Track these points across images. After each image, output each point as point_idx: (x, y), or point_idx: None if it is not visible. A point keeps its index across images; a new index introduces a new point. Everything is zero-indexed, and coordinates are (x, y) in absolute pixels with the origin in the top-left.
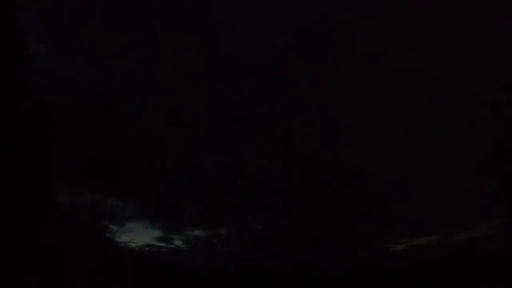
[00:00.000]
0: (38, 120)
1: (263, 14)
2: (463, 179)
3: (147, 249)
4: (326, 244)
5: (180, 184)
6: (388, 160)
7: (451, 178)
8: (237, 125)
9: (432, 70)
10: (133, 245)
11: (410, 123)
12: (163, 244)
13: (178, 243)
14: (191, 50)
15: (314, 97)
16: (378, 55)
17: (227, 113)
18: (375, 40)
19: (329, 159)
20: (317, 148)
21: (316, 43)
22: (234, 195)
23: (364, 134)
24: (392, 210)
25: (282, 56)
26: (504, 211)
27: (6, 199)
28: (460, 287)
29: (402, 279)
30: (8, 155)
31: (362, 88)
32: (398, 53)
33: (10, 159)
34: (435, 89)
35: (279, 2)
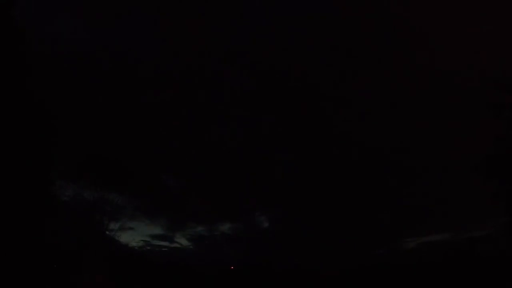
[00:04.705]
0: (38, 119)
1: None
2: (462, 179)
3: (148, 248)
4: (329, 244)
5: (183, 180)
6: (388, 160)
7: (451, 179)
8: (244, 117)
9: (433, 69)
10: (134, 244)
11: (410, 122)
12: (164, 243)
13: (178, 242)
14: (198, 25)
15: (335, 90)
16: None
17: (233, 105)
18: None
19: (338, 156)
20: (325, 146)
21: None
22: (241, 190)
23: (364, 134)
24: (393, 210)
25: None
26: (504, 211)
27: (7, 199)
28: (460, 287)
29: (401, 279)
30: (8, 155)
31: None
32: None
33: (11, 159)
34: (438, 87)
35: None
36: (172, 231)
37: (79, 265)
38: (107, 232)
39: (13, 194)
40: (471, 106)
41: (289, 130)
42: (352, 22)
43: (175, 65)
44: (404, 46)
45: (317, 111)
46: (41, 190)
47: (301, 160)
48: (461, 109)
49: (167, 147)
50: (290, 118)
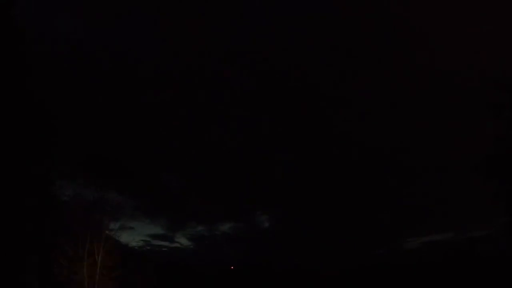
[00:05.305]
0: (38, 119)
1: None
2: (462, 179)
3: (148, 247)
4: (329, 244)
5: (183, 179)
6: (388, 160)
7: (451, 179)
8: (244, 117)
9: (433, 69)
10: (134, 243)
11: (410, 122)
12: (164, 243)
13: (179, 242)
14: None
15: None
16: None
17: (233, 105)
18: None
19: (338, 156)
20: (325, 146)
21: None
22: (241, 190)
23: (364, 134)
24: (393, 210)
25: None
26: (504, 211)
27: (7, 199)
28: (460, 287)
29: (401, 279)
30: (9, 155)
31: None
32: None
33: (11, 158)
34: (438, 87)
35: None
36: (172, 231)
37: (79, 265)
38: (107, 232)
39: (14, 194)
40: (471, 106)
41: (289, 130)
42: (352, 22)
43: (175, 65)
44: (404, 46)
45: (317, 111)
46: (41, 190)
47: (301, 160)
48: (461, 109)
49: (167, 147)
50: (290, 118)
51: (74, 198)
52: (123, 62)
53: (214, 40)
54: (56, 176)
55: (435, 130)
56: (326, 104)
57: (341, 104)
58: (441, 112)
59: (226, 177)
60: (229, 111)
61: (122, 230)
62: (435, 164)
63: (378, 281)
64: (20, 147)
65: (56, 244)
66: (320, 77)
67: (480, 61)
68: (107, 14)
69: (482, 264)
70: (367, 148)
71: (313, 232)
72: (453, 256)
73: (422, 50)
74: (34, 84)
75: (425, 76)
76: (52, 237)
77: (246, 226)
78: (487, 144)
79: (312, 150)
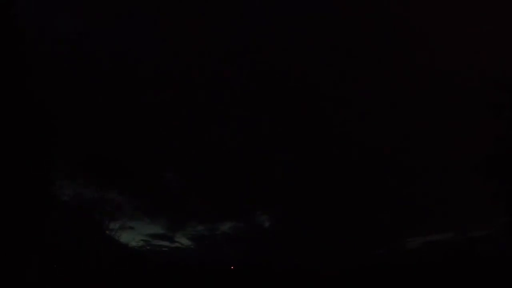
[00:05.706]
0: (38, 119)
1: None
2: (462, 179)
3: (148, 247)
4: (329, 244)
5: (183, 179)
6: (388, 160)
7: (451, 179)
8: (244, 117)
9: (433, 69)
10: (134, 243)
11: (410, 122)
12: (164, 243)
13: (179, 242)
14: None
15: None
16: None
17: (233, 105)
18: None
19: (338, 156)
20: (325, 146)
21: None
22: (241, 190)
23: (364, 134)
24: (393, 210)
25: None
26: (504, 211)
27: (7, 199)
28: (460, 287)
29: (401, 279)
30: (9, 155)
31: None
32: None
33: (11, 158)
34: (438, 87)
35: None
36: (173, 230)
37: (79, 265)
38: (107, 232)
39: (14, 194)
40: (471, 106)
41: (289, 130)
42: (352, 22)
43: (175, 65)
44: (404, 46)
45: (317, 111)
46: (41, 190)
47: (301, 160)
48: (461, 109)
49: (167, 147)
50: (290, 118)
51: (74, 198)
52: (123, 62)
53: (214, 40)
54: (56, 176)
55: (435, 130)
56: (326, 104)
57: (341, 104)
58: (441, 112)
59: (226, 177)
60: (229, 111)
61: (122, 230)
62: (435, 164)
63: (378, 281)
64: (20, 147)
65: (56, 244)
66: (320, 77)
67: (480, 61)
68: (107, 14)
69: (482, 264)
70: (367, 148)
71: (313, 232)
72: (453, 256)
73: (422, 50)
74: (34, 84)
75: (425, 76)
76: (52, 237)
77: (246, 226)
78: (487, 144)
79: (312, 150)
